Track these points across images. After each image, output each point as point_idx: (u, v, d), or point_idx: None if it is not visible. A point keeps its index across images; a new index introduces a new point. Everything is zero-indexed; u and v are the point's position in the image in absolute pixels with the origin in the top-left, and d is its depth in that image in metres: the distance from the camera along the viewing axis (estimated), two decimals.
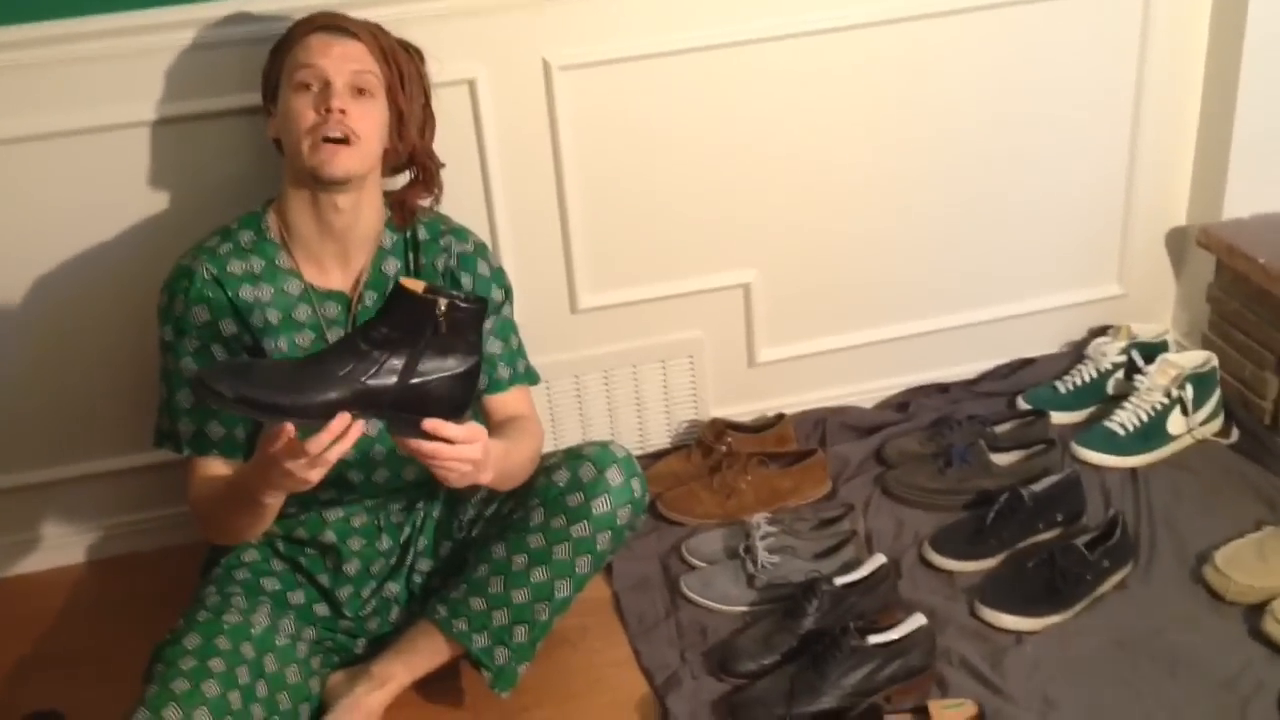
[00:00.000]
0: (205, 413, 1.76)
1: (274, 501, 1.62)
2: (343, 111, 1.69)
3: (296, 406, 1.43)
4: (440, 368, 1.50)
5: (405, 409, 1.49)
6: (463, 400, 1.53)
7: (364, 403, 1.47)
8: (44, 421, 2.18)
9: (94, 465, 2.22)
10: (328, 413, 1.44)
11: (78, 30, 1.91)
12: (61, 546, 2.27)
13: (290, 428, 1.45)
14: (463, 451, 1.54)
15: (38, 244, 2.05)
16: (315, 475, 1.49)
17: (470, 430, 1.55)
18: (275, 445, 1.47)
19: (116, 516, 2.27)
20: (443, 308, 1.48)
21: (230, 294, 1.76)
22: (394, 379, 1.47)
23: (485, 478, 1.63)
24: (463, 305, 1.50)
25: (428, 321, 1.48)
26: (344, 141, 1.69)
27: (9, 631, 2.10)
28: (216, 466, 1.78)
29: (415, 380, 1.49)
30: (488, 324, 1.86)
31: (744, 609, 1.98)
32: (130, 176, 2.03)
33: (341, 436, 1.46)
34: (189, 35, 1.94)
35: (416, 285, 1.50)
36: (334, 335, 1.81)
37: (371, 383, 1.47)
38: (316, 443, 1.44)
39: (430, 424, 1.51)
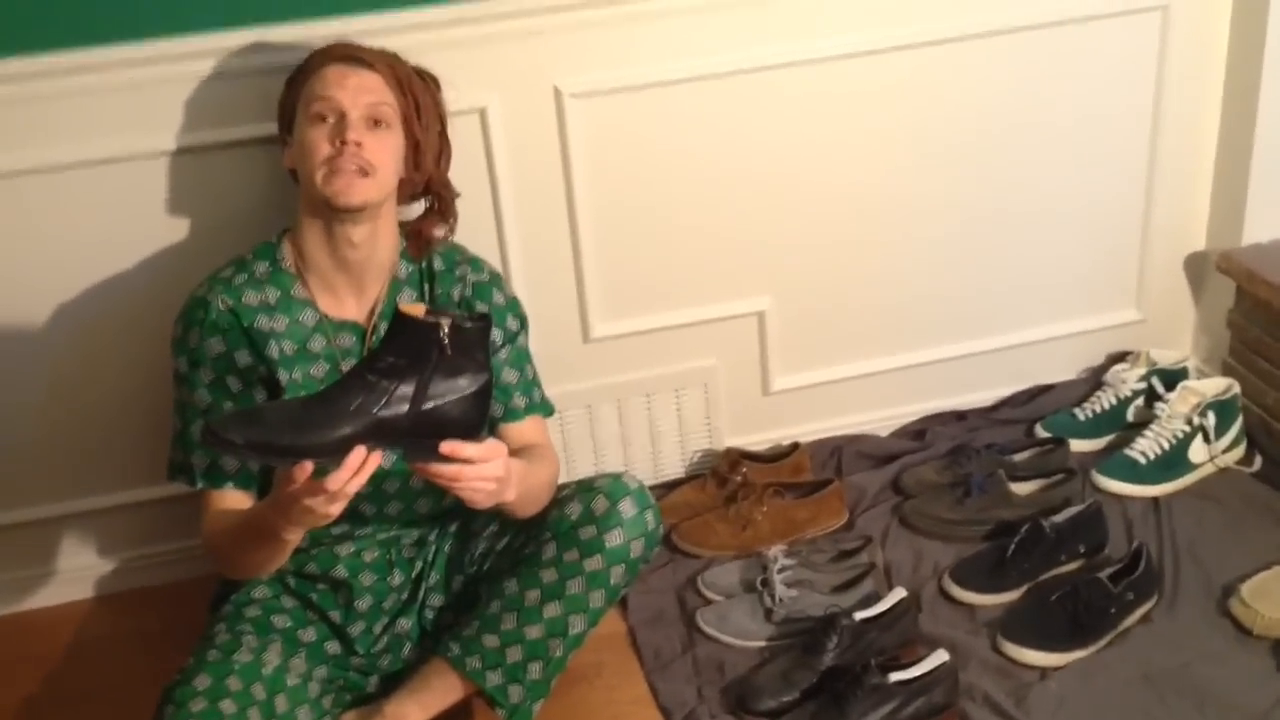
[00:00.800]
0: None
1: (293, 538, 1.59)
2: (359, 144, 1.68)
3: (311, 446, 1.41)
4: (451, 389, 1.48)
5: (421, 435, 1.47)
6: (478, 419, 1.51)
7: (378, 434, 1.44)
8: (55, 455, 2.15)
9: (104, 500, 2.20)
10: (342, 449, 1.42)
11: (93, 61, 1.89)
12: (72, 581, 2.25)
13: (308, 466, 1.42)
14: (485, 470, 1.52)
15: (52, 275, 2.03)
16: (335, 510, 1.47)
17: (489, 448, 1.53)
18: (293, 484, 1.45)
19: (127, 551, 2.25)
20: (446, 329, 1.46)
21: (245, 324, 1.74)
22: (406, 407, 1.45)
23: (510, 495, 1.61)
24: (467, 324, 1.48)
25: (432, 345, 1.46)
26: (360, 173, 1.68)
27: (18, 668, 2.07)
28: (231, 499, 1.76)
29: (427, 406, 1.46)
30: (503, 354, 1.85)
31: (762, 644, 1.95)
32: (146, 207, 2.01)
33: (359, 470, 1.44)
34: (205, 66, 1.93)
35: (417, 309, 1.47)
36: (349, 366, 1.79)
37: (383, 414, 1.44)
38: (335, 479, 1.42)
39: (448, 447, 1.49)
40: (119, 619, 2.20)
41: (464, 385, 1.48)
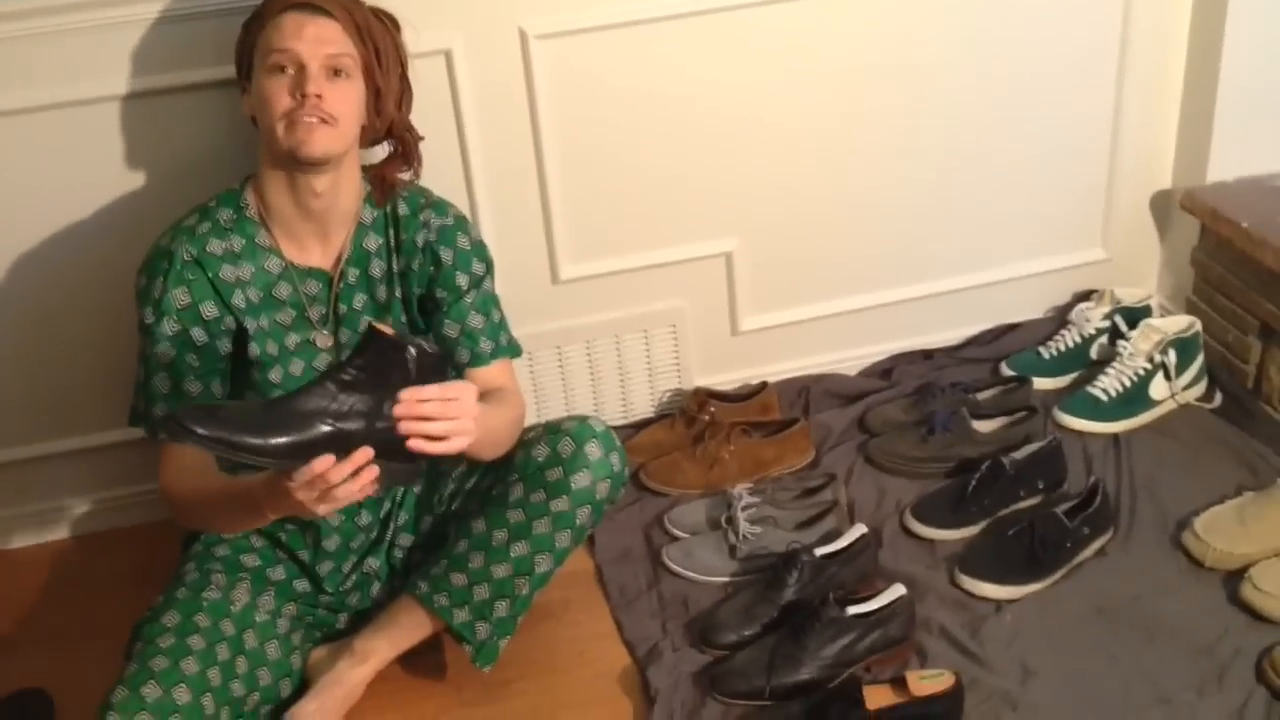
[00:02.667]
0: (181, 398, 1.75)
1: (274, 517, 1.63)
2: (319, 96, 1.66)
3: (267, 447, 1.44)
4: None
5: (378, 451, 1.50)
6: None
7: (333, 444, 1.48)
8: (25, 398, 2.17)
9: (77, 441, 2.22)
10: (297, 453, 1.46)
11: (47, 5, 1.88)
12: (45, 522, 2.28)
13: (316, 468, 1.45)
14: (449, 412, 1.54)
15: (13, 221, 2.03)
16: (323, 510, 1.51)
17: (446, 388, 1.55)
18: (299, 480, 1.47)
19: (101, 492, 2.28)
20: (412, 354, 1.51)
21: (210, 275, 1.75)
22: (361, 423, 1.49)
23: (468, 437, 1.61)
24: (431, 353, 1.53)
25: (395, 366, 1.51)
26: (321, 123, 1.67)
27: None
28: (190, 453, 1.75)
29: (380, 425, 1.50)
30: (469, 298, 1.86)
31: (725, 580, 1.99)
32: (105, 152, 2.01)
33: (354, 476, 1.48)
34: (160, 7, 1.92)
35: (389, 329, 1.53)
36: (315, 312, 1.81)
37: (340, 425, 1.48)
38: (338, 470, 1.46)
39: (405, 394, 1.51)
40: (93, 559, 2.23)
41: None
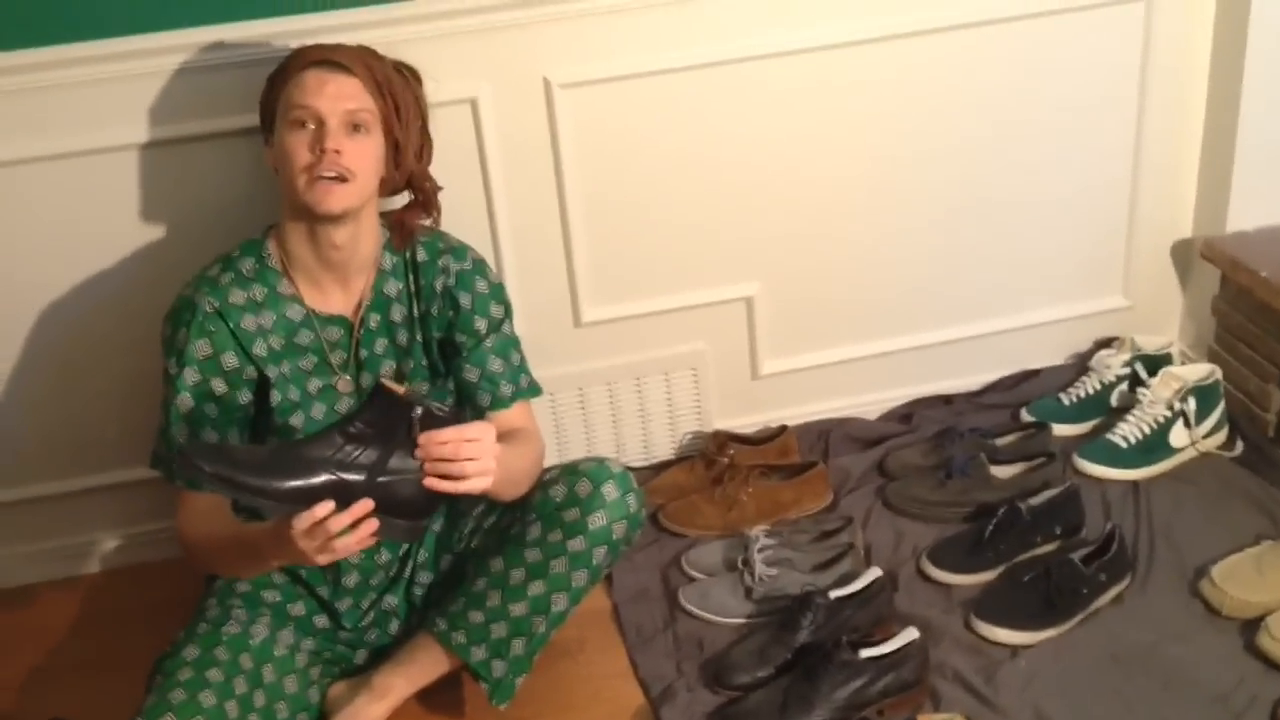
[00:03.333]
0: None
1: (278, 564, 1.68)
2: (337, 152, 1.70)
3: (270, 489, 1.48)
4: (408, 469, 1.57)
5: (378, 505, 1.54)
6: (425, 506, 1.59)
7: (336, 492, 1.52)
8: (55, 436, 2.22)
9: (107, 477, 2.27)
10: (298, 498, 1.50)
11: (76, 55, 1.94)
12: (75, 556, 2.32)
13: (318, 513, 1.49)
14: (468, 453, 1.58)
15: (42, 265, 2.09)
16: (323, 560, 1.54)
17: (464, 430, 1.60)
18: (299, 527, 1.51)
19: (128, 528, 2.32)
20: (419, 413, 1.55)
21: (232, 325, 1.79)
22: (364, 475, 1.54)
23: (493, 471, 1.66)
24: (438, 414, 1.57)
25: (402, 423, 1.55)
26: (339, 180, 1.71)
27: (24, 639, 2.14)
28: (207, 500, 1.79)
29: (383, 479, 1.55)
30: (488, 342, 1.90)
31: (741, 621, 2.00)
32: (130, 198, 2.07)
33: (353, 529, 1.52)
34: (186, 58, 1.98)
35: (398, 388, 1.57)
36: (337, 357, 1.85)
37: (343, 475, 1.53)
38: (338, 520, 1.50)
39: (424, 437, 1.56)
40: (121, 593, 2.27)
41: (419, 468, 1.57)
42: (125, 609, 2.22)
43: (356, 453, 1.53)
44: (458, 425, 1.58)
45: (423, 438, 1.54)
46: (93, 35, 1.94)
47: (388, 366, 1.88)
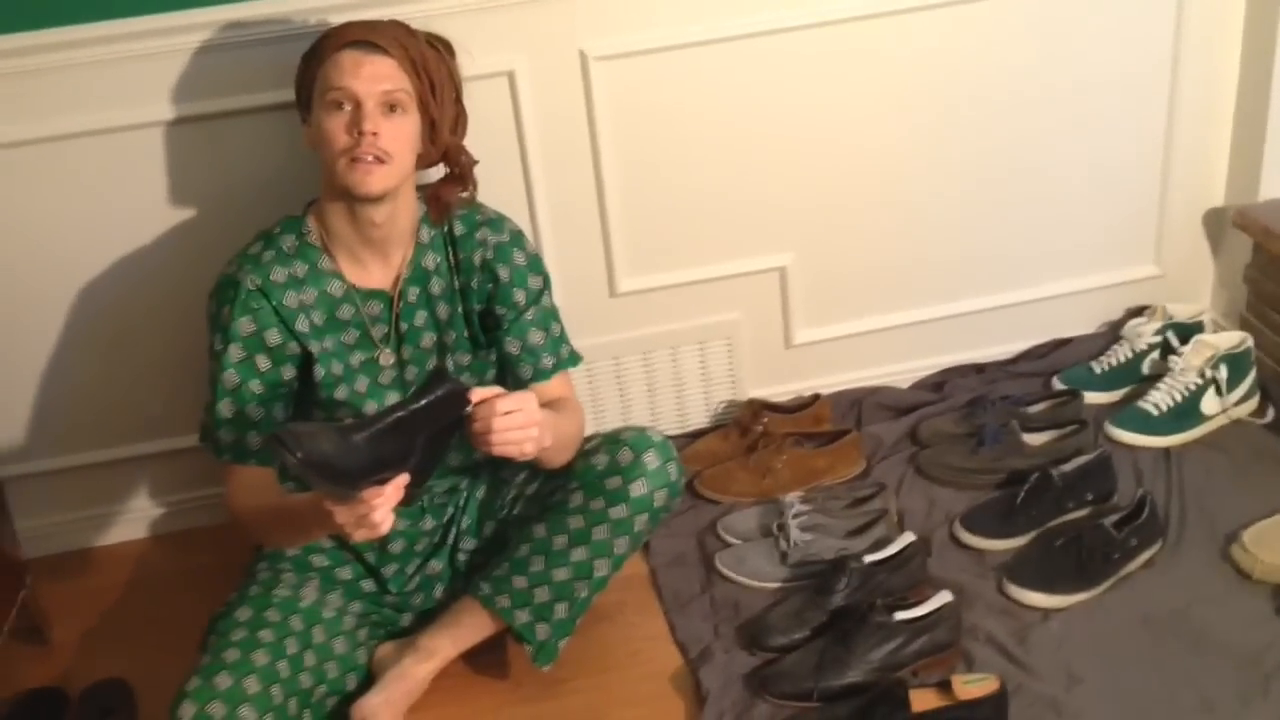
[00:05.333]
0: (244, 422, 1.82)
1: (322, 535, 1.74)
2: (375, 134, 1.72)
3: (355, 486, 1.52)
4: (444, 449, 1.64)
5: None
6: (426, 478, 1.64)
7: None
8: (105, 405, 2.28)
9: (154, 445, 2.32)
10: (368, 485, 1.53)
11: (107, 33, 1.98)
12: (127, 522, 2.39)
13: (370, 500, 1.52)
14: (519, 419, 1.63)
15: (85, 240, 2.14)
16: (359, 536, 1.56)
17: (520, 397, 1.64)
18: (348, 513, 1.54)
19: (179, 494, 2.38)
20: (470, 406, 1.62)
21: (274, 303, 1.81)
22: (416, 459, 1.59)
23: (547, 441, 1.70)
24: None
25: (454, 407, 1.60)
26: (378, 161, 1.73)
27: (78, 603, 2.21)
28: (254, 474, 1.83)
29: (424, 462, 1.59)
30: (529, 314, 1.93)
31: (776, 585, 2.04)
32: (168, 174, 2.11)
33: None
34: (218, 35, 2.01)
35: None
36: (378, 331, 1.88)
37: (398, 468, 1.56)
38: (384, 501, 1.53)
39: (477, 395, 1.61)
40: (172, 557, 2.33)
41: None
42: (174, 573, 2.28)
43: (419, 439, 1.56)
44: (507, 394, 1.62)
45: (480, 410, 1.58)
46: (129, 12, 1.98)
47: (429, 338, 1.91)
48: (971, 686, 1.72)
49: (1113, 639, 1.86)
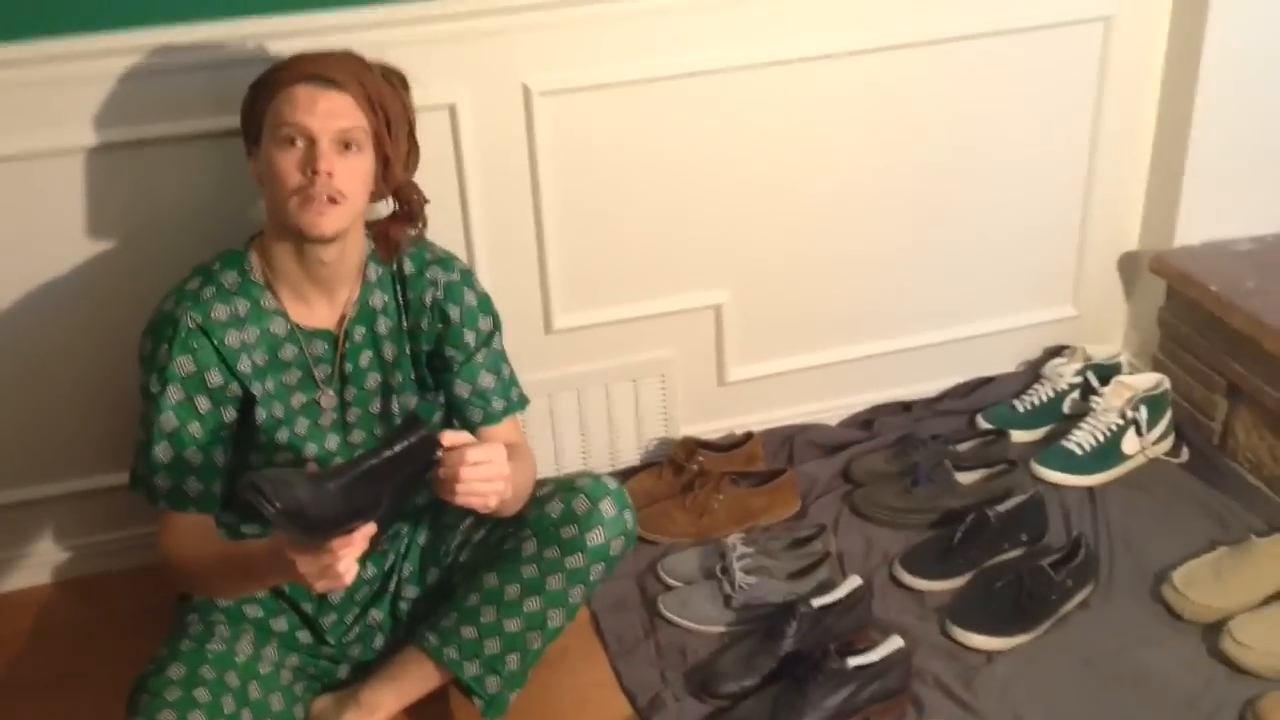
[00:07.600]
0: (182, 467, 1.73)
1: (275, 584, 1.67)
2: (329, 174, 1.65)
3: (332, 532, 1.45)
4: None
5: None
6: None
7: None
8: (13, 442, 2.15)
9: (62, 486, 2.20)
10: (342, 533, 1.47)
11: (34, 54, 1.88)
12: (29, 567, 2.25)
13: (339, 549, 1.46)
14: (488, 471, 1.57)
15: (11, 266, 2.02)
16: (321, 586, 1.49)
17: (490, 449, 1.59)
18: (312, 563, 1.47)
19: (84, 537, 2.25)
20: (439, 453, 1.56)
21: (215, 342, 1.73)
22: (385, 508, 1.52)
23: (509, 492, 1.65)
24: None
25: (421, 456, 1.54)
26: (331, 201, 1.66)
27: None
28: (191, 520, 1.75)
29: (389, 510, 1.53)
30: (479, 357, 1.88)
31: (722, 629, 2.02)
32: (89, 202, 2.00)
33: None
34: (152, 59, 1.92)
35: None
36: (321, 371, 1.81)
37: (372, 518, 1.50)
38: (349, 550, 1.47)
39: (448, 440, 1.55)
40: (79, 606, 2.20)
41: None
42: (83, 621, 2.15)
43: (388, 487, 1.50)
44: (489, 446, 1.57)
45: (449, 457, 1.53)
46: (58, 32, 1.87)
47: (374, 379, 1.85)
48: None
49: (1056, 681, 1.89)
